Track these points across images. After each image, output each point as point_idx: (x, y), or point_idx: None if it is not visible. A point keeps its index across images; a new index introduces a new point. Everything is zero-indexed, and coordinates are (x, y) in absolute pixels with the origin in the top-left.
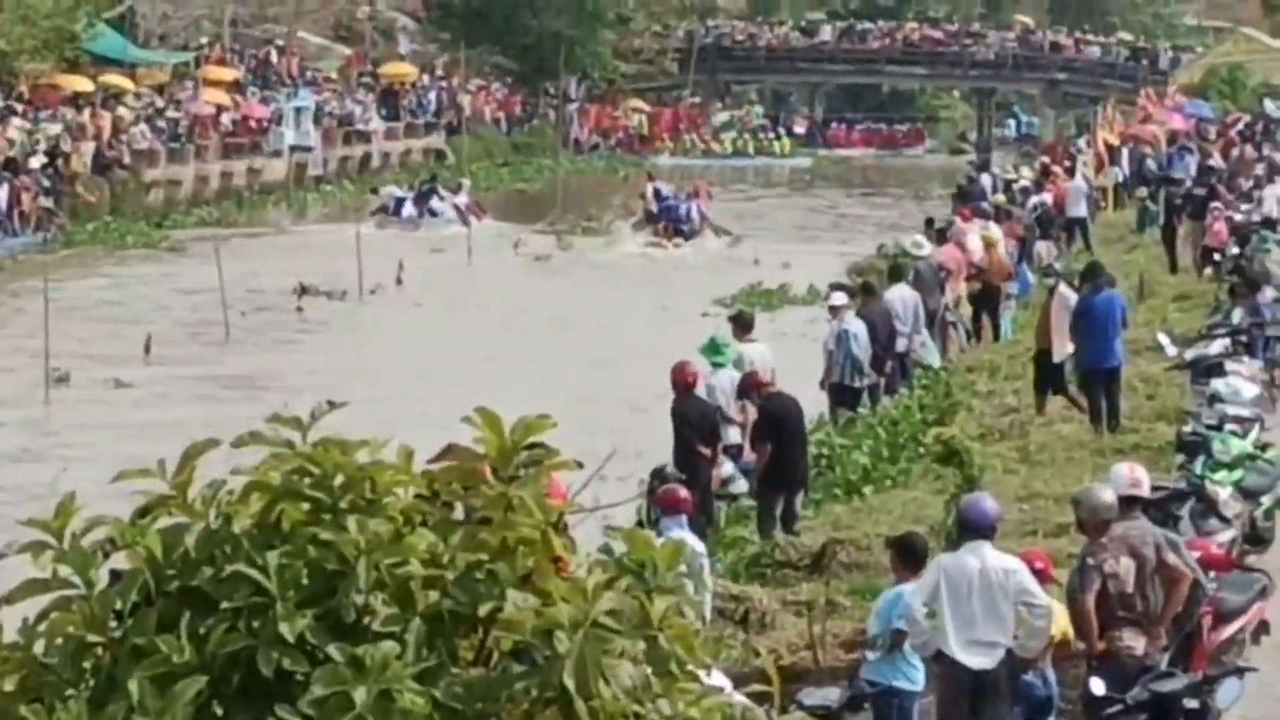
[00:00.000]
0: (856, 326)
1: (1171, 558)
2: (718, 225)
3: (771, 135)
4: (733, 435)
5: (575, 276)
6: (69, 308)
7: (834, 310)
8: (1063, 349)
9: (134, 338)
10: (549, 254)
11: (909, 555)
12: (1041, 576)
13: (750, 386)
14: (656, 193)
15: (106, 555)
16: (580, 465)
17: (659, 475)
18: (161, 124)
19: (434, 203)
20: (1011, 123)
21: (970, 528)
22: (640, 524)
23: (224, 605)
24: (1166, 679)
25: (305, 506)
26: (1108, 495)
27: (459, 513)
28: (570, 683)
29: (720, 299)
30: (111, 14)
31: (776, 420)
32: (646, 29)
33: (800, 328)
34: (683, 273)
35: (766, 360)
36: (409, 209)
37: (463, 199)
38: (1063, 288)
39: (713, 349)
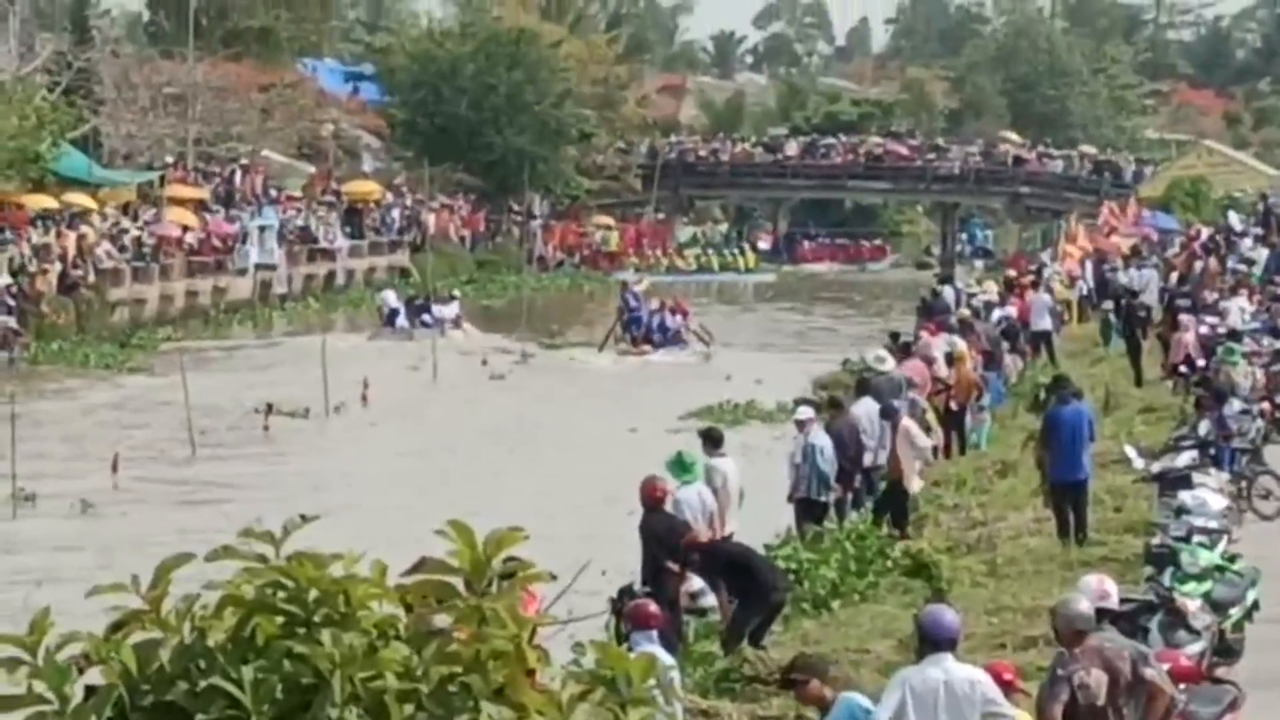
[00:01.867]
0: (823, 440)
1: (1150, 673)
2: (701, 333)
3: (735, 251)
4: None
5: (543, 391)
6: (35, 427)
7: (801, 424)
8: (913, 481)
9: (101, 456)
10: (515, 369)
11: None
12: (1009, 688)
13: (688, 549)
14: (626, 302)
15: (81, 671)
16: (554, 577)
17: (627, 593)
18: (126, 243)
19: (427, 315)
20: (964, 236)
21: (930, 640)
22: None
23: (199, 719)
24: None
25: (279, 620)
26: (1085, 606)
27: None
28: None
29: (687, 414)
30: (75, 134)
31: (727, 563)
32: (610, 145)
33: (767, 442)
34: (651, 386)
35: (734, 476)
36: (402, 320)
37: (453, 310)
38: (905, 421)
39: (679, 465)
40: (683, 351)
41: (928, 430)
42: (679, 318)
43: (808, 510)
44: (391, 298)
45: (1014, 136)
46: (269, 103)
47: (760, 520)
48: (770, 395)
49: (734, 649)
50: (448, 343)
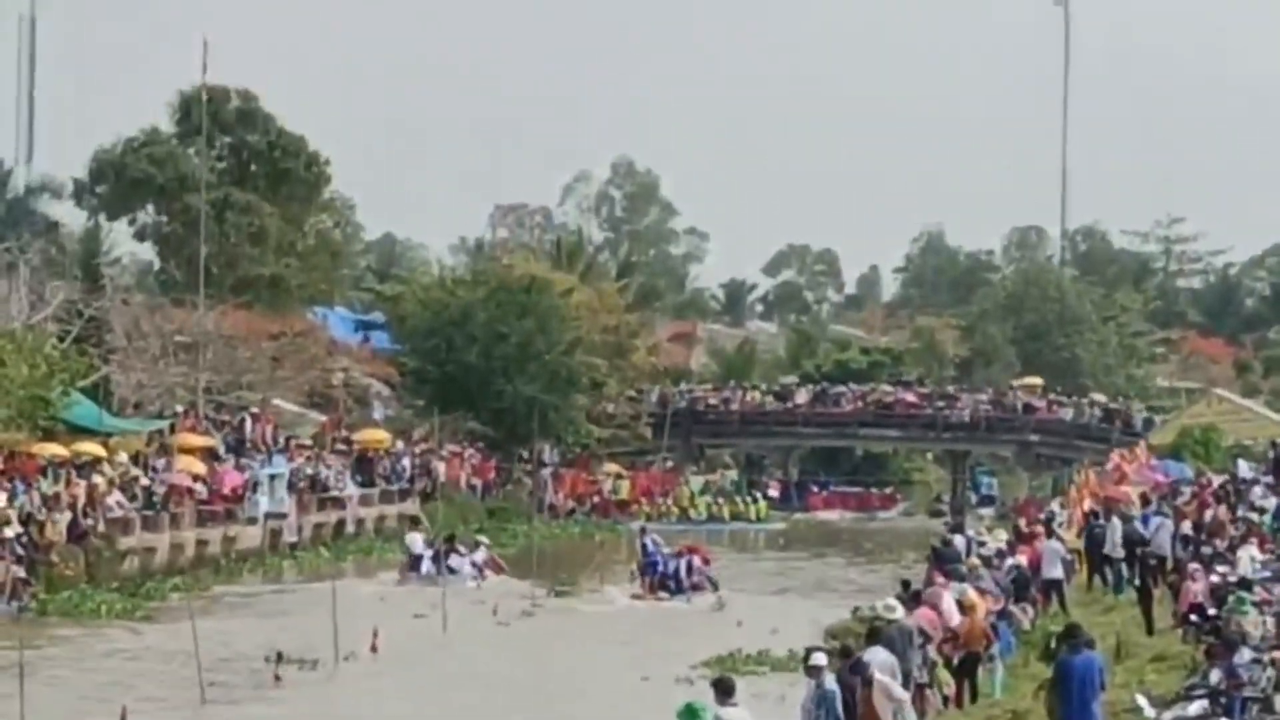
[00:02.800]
0: (836, 687)
1: None
2: (715, 582)
3: (746, 499)
4: None
5: (554, 638)
6: (44, 677)
7: (813, 671)
8: None
9: (110, 707)
10: (526, 616)
11: None
12: None
13: None
14: (644, 547)
15: None
16: None
17: None
18: (136, 492)
19: (453, 560)
20: (970, 483)
21: None
22: None
23: None
24: None
25: None
26: None
27: None
28: None
29: (699, 662)
30: (86, 382)
31: None
32: (620, 394)
33: (779, 691)
34: (663, 633)
35: None
36: (428, 565)
37: (480, 556)
38: (879, 676)
39: (689, 715)
40: (695, 598)
41: (936, 685)
42: (699, 563)
43: None
44: (418, 542)
45: (1035, 380)
46: (279, 351)
47: None
48: (782, 643)
49: None
50: (470, 590)
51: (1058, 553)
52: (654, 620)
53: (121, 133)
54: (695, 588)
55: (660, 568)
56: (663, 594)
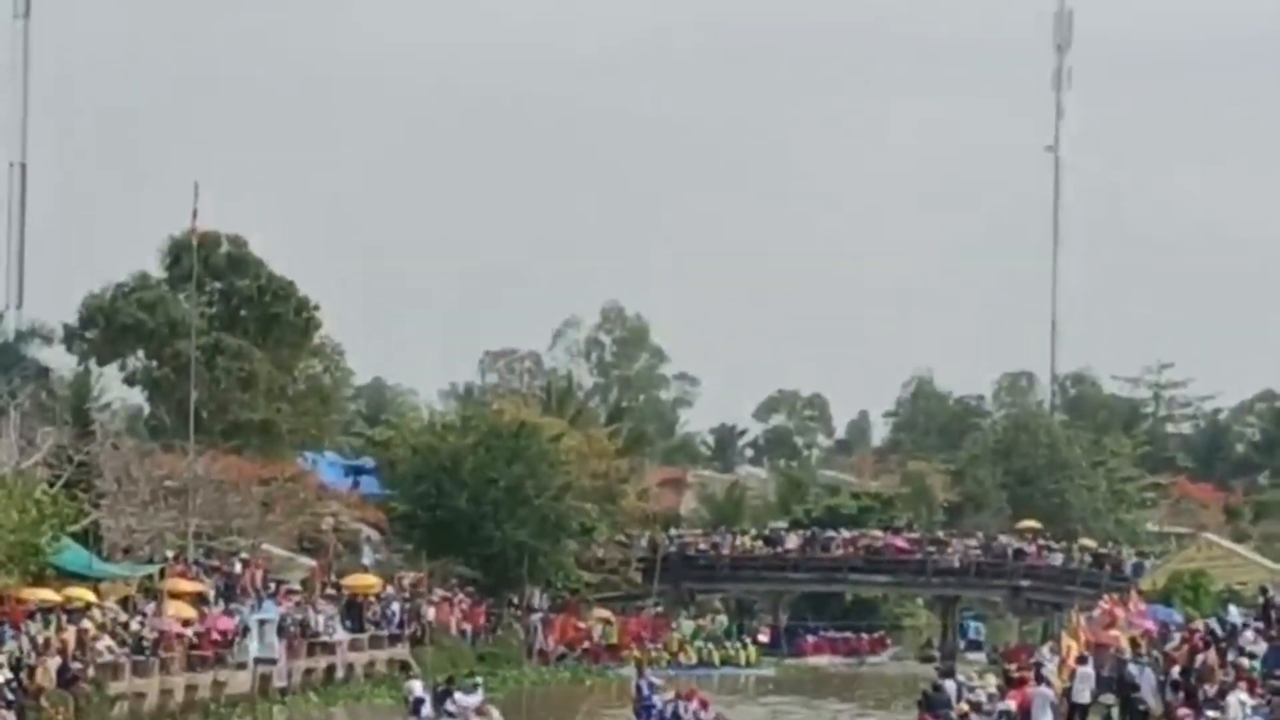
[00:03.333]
0: None
1: None
2: None
3: (737, 644)
4: None
5: None
6: None
7: None
8: None
9: None
10: None
11: None
12: None
13: None
14: (639, 689)
15: None
16: None
17: None
18: (126, 637)
19: (449, 704)
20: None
21: None
22: None
23: None
24: None
25: None
26: None
27: None
28: None
29: None
30: (76, 528)
31: None
32: (610, 538)
33: None
34: None
35: None
36: (428, 709)
37: (476, 699)
38: None
39: None
40: None
41: None
42: (695, 705)
43: None
44: (417, 687)
45: (1033, 524)
46: (269, 496)
47: None
48: None
49: None
50: None
51: (1047, 698)
52: None
53: (111, 278)
54: None
55: (656, 711)
56: None
